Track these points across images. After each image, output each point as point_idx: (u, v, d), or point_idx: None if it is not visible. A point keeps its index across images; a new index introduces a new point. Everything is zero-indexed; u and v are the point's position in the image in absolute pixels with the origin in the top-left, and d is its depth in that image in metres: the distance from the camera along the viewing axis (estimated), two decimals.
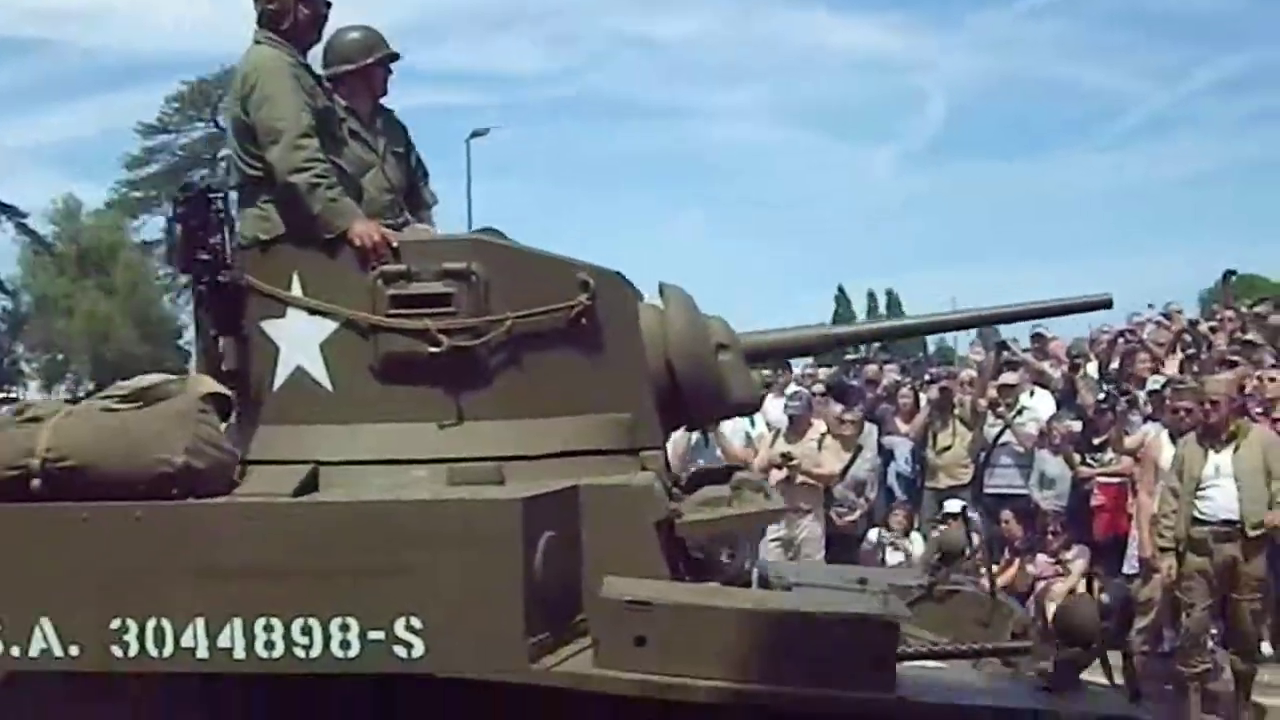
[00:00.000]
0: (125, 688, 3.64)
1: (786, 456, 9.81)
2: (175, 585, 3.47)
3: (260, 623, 3.42)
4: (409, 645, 3.36)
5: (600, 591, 3.45)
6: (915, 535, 10.34)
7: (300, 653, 3.40)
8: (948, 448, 10.70)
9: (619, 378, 4.15)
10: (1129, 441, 9.46)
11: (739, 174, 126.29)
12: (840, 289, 78.31)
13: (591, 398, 4.07)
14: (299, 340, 4.01)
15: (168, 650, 3.46)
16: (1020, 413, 10.39)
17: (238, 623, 3.43)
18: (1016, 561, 9.69)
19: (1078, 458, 9.84)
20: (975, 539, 5.27)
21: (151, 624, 3.47)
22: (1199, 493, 7.52)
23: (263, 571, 3.43)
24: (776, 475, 9.72)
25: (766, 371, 11.27)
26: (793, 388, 11.28)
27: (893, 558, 10.09)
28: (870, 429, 10.97)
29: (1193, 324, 11.71)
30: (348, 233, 3.95)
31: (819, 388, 11.63)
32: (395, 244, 3.96)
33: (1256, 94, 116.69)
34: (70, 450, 3.57)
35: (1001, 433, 10.03)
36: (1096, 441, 9.87)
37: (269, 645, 3.42)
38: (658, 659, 3.32)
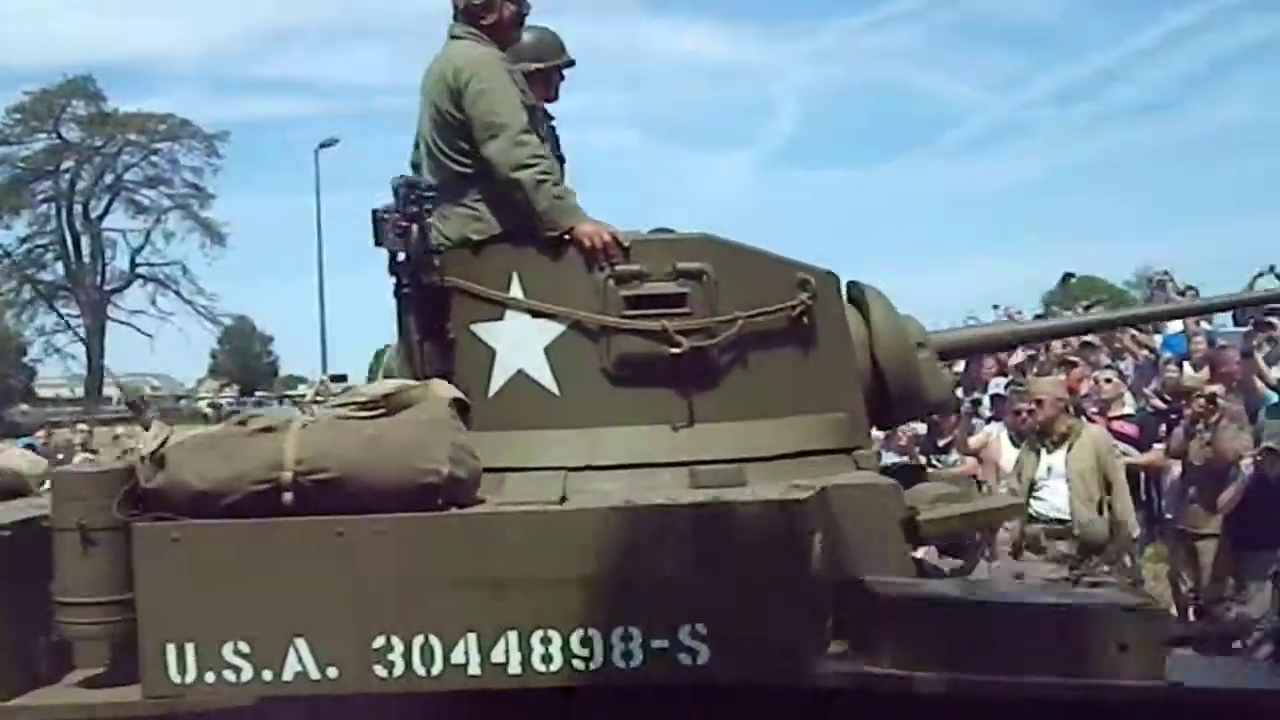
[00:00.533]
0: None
1: None
2: (442, 599, 3.30)
3: (537, 635, 3.27)
4: (694, 653, 3.25)
5: (873, 589, 3.44)
6: None
7: (580, 664, 3.27)
8: None
9: (835, 377, 4.13)
10: (972, 442, 9.74)
11: (594, 181, 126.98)
12: None
13: (812, 398, 4.04)
14: (520, 343, 3.86)
15: (436, 668, 3.29)
16: None
17: (513, 636, 3.27)
18: None
19: (923, 460, 9.80)
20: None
21: (419, 641, 3.29)
22: (1033, 493, 7.65)
23: (538, 582, 3.29)
24: None
25: None
26: None
27: None
28: None
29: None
30: (574, 231, 3.82)
31: None
32: (627, 243, 3.84)
33: (1093, 101, 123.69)
34: (323, 461, 3.34)
35: None
36: (941, 443, 10.08)
37: (546, 659, 3.27)
38: (944, 655, 3.30)
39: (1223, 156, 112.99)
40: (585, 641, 3.26)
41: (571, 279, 3.84)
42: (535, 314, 3.84)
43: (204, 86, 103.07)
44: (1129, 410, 9.33)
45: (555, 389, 3.83)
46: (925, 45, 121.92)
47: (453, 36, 4.10)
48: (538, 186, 3.81)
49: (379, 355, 10.29)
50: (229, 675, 3.29)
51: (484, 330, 3.91)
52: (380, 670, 3.28)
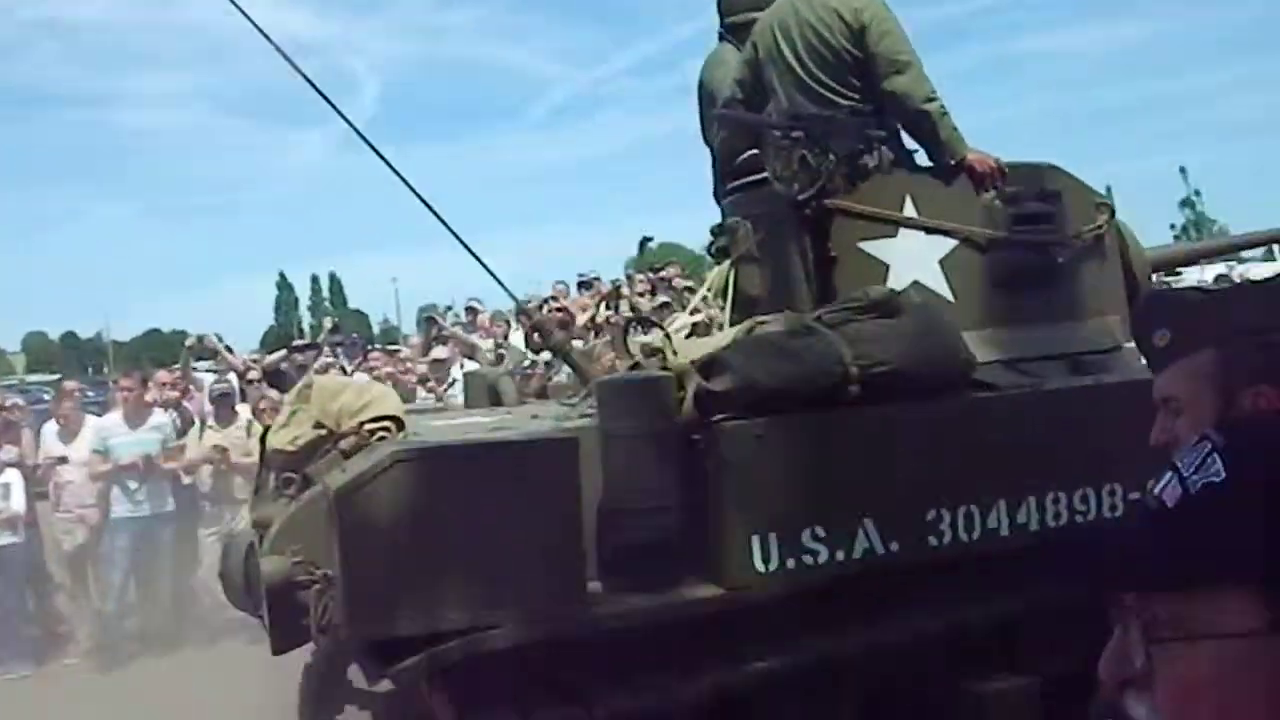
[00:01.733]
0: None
1: (219, 449, 9.80)
2: (981, 473, 3.81)
3: (1049, 497, 3.86)
4: None
5: None
6: None
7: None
8: None
9: (1118, 288, 4.87)
10: None
11: (171, 162, 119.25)
12: (282, 275, 76.63)
13: (1110, 303, 4.76)
14: (914, 257, 4.33)
15: (976, 534, 3.78)
16: (453, 385, 10.81)
17: (1032, 500, 3.84)
18: None
19: None
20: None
21: (962, 511, 3.76)
22: None
23: (1052, 451, 3.89)
24: (207, 470, 9.88)
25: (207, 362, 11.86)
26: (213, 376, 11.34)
27: None
28: None
29: (616, 288, 12.23)
30: (965, 159, 4.35)
31: (254, 374, 11.38)
32: (1005, 169, 4.43)
33: (670, 74, 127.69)
34: (880, 357, 3.70)
35: None
36: None
37: (1056, 516, 3.87)
38: None
39: None
40: (1084, 499, 3.90)
41: (958, 200, 4.39)
42: (929, 231, 4.34)
43: None
44: None
45: (950, 296, 4.35)
46: (506, 19, 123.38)
47: None
48: (942, 117, 4.34)
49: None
50: (807, 559, 3.58)
51: (875, 247, 4.33)
52: (932, 540, 3.71)
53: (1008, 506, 3.80)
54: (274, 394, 10.53)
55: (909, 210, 4.31)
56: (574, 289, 13.46)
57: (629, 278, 13.58)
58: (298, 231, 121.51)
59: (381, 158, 4.59)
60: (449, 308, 13.54)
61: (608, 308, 10.55)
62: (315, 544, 3.49)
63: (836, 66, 4.41)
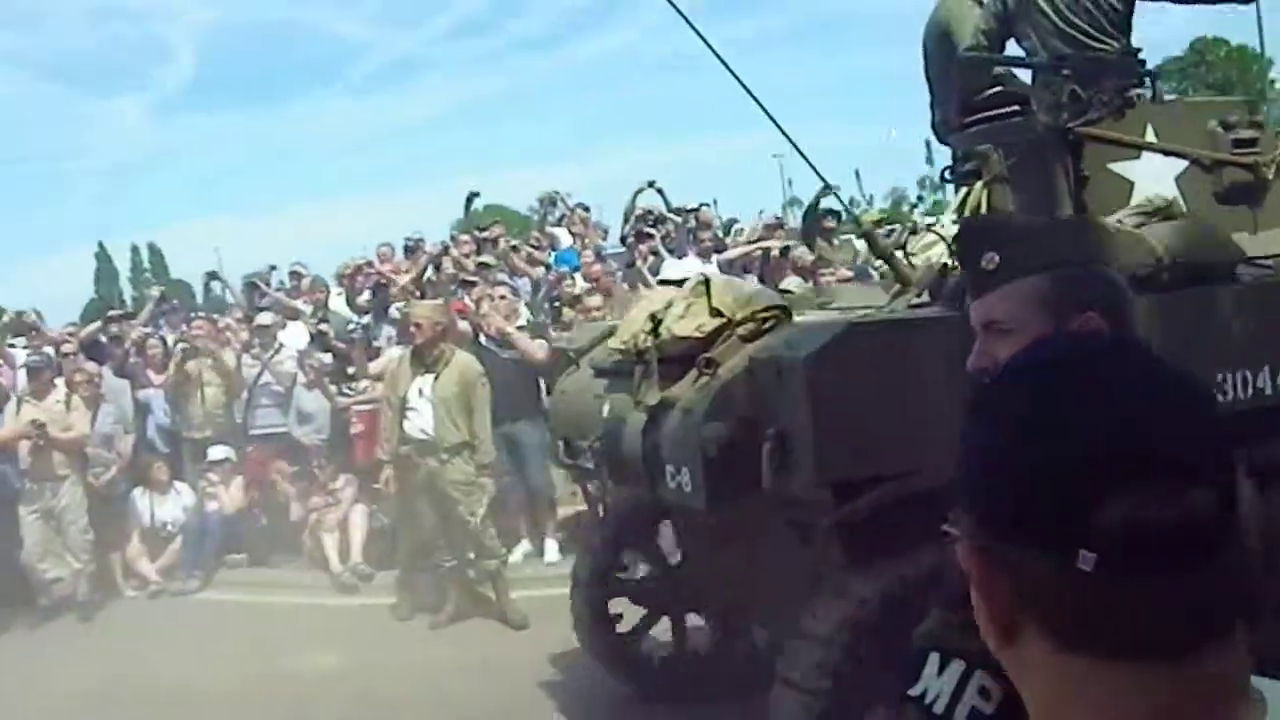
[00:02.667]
0: None
1: (37, 424, 9.49)
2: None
3: None
4: None
5: None
6: (181, 485, 10.59)
7: None
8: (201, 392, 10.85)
9: None
10: (373, 367, 10.27)
11: None
12: (101, 246, 73.16)
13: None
14: (1153, 176, 5.00)
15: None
16: (278, 351, 10.92)
17: None
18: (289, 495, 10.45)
19: (334, 389, 10.50)
20: None
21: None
22: (405, 411, 8.33)
23: None
24: (26, 445, 9.58)
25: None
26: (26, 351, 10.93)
27: (163, 514, 10.37)
28: (117, 383, 10.86)
29: (445, 249, 12.45)
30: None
31: (69, 347, 11.10)
32: None
33: (492, 35, 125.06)
34: (1180, 251, 4.27)
35: (260, 374, 10.78)
36: (350, 371, 10.60)
37: None
38: None
39: (608, 84, 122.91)
40: None
41: (1188, 127, 5.15)
42: (1166, 154, 5.03)
43: None
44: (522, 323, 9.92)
45: (1183, 207, 4.87)
46: None
47: None
48: None
49: None
50: None
51: (1122, 168, 4.98)
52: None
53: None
54: (91, 366, 10.33)
55: (1150, 136, 5.05)
56: (399, 252, 13.34)
57: (454, 239, 13.50)
58: (115, 202, 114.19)
59: (702, 38, 4.71)
60: (273, 268, 13.28)
61: (436, 269, 10.60)
62: (755, 408, 4.07)
63: (1096, 17, 5.11)
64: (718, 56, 4.50)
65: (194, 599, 9.90)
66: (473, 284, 10.63)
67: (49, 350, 10.56)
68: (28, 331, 11.67)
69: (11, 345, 11.55)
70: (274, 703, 7.20)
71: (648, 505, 5.80)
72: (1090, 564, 0.83)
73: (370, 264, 12.75)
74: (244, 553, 10.48)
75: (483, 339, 9.49)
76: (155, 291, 14.20)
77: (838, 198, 6.82)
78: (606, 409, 5.13)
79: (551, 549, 9.58)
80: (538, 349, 9.00)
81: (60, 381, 9.97)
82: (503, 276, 11.06)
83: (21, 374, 10.36)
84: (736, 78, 4.52)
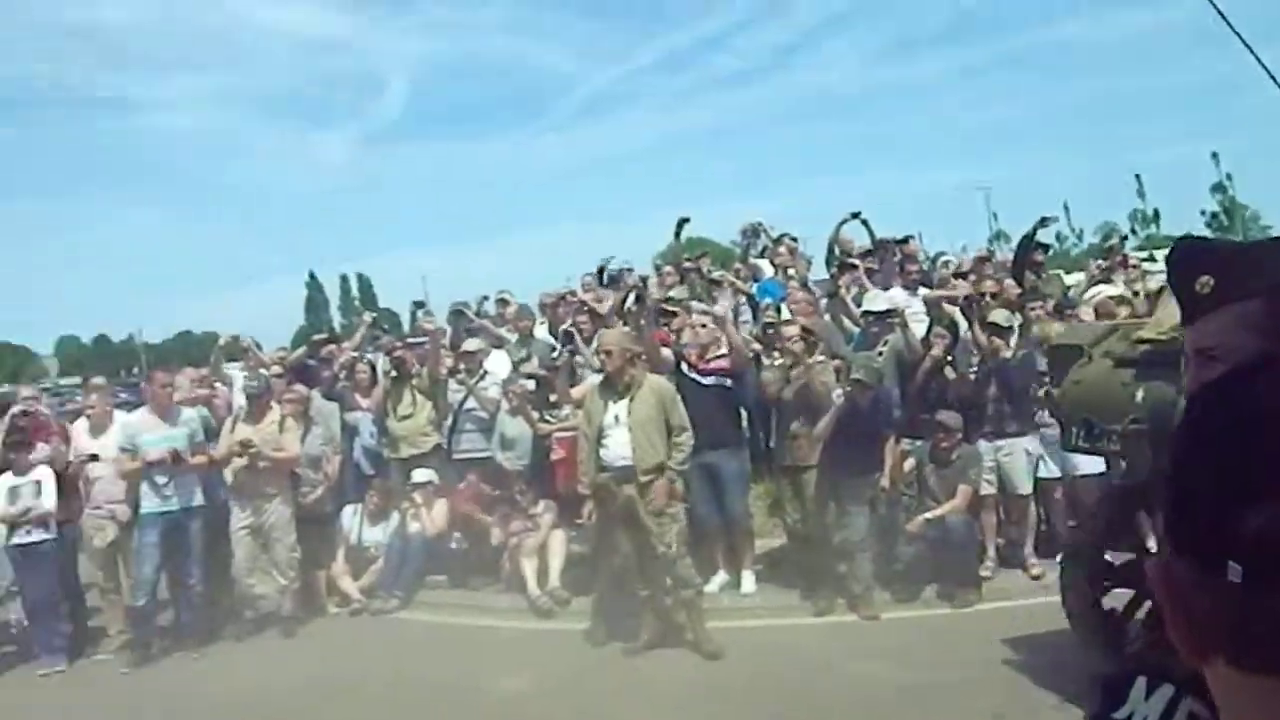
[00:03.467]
0: None
1: (245, 444, 9.73)
2: None
3: None
4: None
5: None
6: (393, 514, 10.69)
7: None
8: (408, 417, 11.07)
9: None
10: (575, 394, 10.26)
11: (193, 166, 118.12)
12: (312, 275, 75.96)
13: None
14: None
15: None
16: (483, 377, 11.01)
17: None
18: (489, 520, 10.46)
19: (536, 415, 10.52)
20: None
21: None
22: (601, 440, 8.33)
23: None
24: (238, 462, 9.76)
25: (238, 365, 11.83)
26: (244, 374, 11.19)
27: (368, 535, 10.57)
28: (326, 406, 11.06)
29: (642, 280, 12.40)
30: None
31: (275, 370, 11.42)
32: None
33: (694, 69, 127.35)
34: None
35: (465, 398, 10.86)
36: (552, 399, 10.62)
37: None
38: None
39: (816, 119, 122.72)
40: None
41: None
42: None
43: None
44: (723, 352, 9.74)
45: None
46: (526, 17, 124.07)
47: None
48: None
49: None
50: None
51: None
52: None
53: None
54: (301, 389, 10.59)
55: None
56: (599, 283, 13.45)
57: (657, 269, 13.64)
58: (326, 232, 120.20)
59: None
60: (485, 298, 13.21)
61: (636, 300, 10.37)
62: None
63: None
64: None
65: (394, 618, 10.04)
66: (674, 314, 10.62)
67: (264, 374, 10.84)
68: (243, 355, 12.06)
69: (228, 368, 11.98)
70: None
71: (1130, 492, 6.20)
72: (1238, 576, 0.78)
73: (573, 293, 12.80)
74: (444, 574, 10.59)
75: (684, 367, 9.43)
76: (367, 317, 14.55)
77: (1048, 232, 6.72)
78: (1141, 394, 5.61)
79: (748, 580, 9.44)
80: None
81: (276, 405, 10.24)
82: (704, 306, 10.95)
83: (239, 395, 10.67)
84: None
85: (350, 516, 10.69)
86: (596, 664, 8.19)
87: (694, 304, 10.95)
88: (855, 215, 12.63)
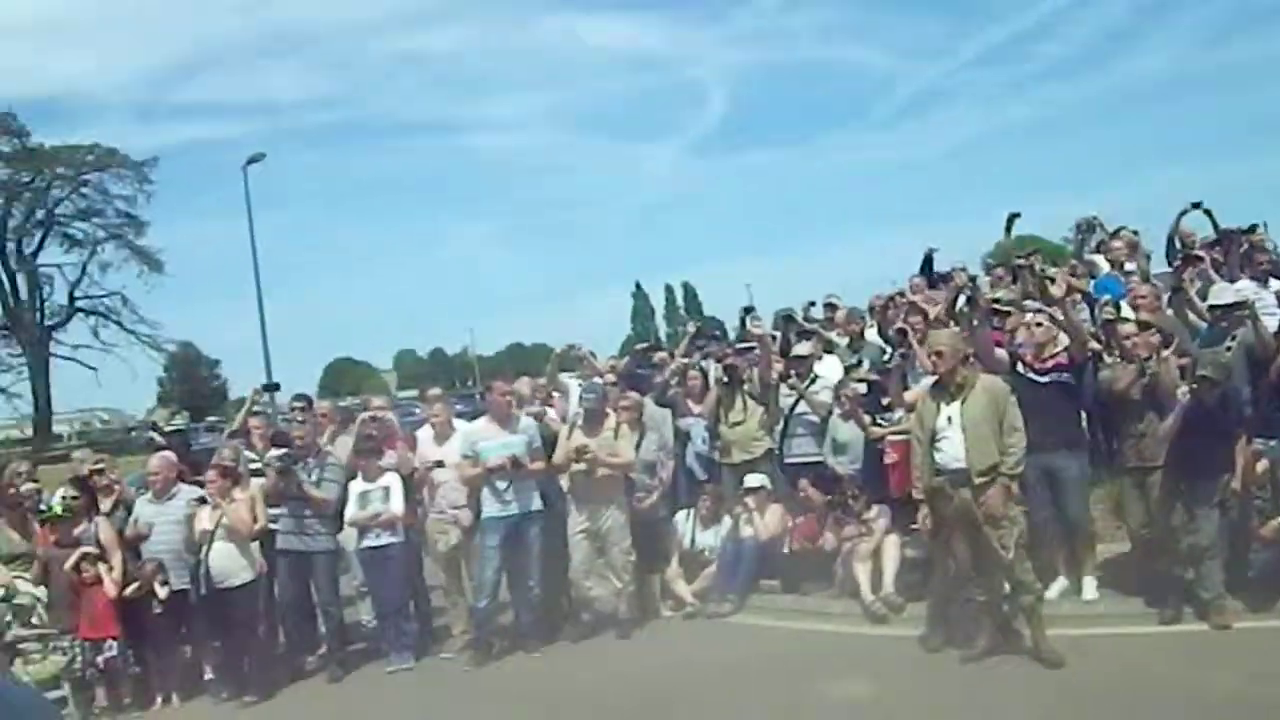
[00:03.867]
0: None
1: (582, 450, 9.83)
2: None
3: None
4: None
5: None
6: (725, 519, 10.67)
7: None
8: (739, 423, 11.05)
9: None
10: (908, 397, 9.97)
11: (522, 182, 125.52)
12: (638, 285, 79.14)
13: None
14: None
15: None
16: (813, 381, 10.95)
17: None
18: (820, 526, 10.27)
19: (868, 419, 10.33)
20: None
21: None
22: (935, 443, 8.05)
23: None
24: (576, 468, 9.87)
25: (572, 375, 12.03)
26: (579, 383, 11.40)
27: (702, 540, 10.60)
28: (658, 412, 11.11)
29: (972, 279, 12.27)
30: None
31: (610, 378, 11.60)
32: None
33: (1017, 62, 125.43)
34: None
35: (796, 403, 10.79)
36: (884, 402, 10.40)
37: None
38: None
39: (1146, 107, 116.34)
40: None
41: None
42: None
43: (127, 116, 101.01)
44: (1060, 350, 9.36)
45: None
46: (845, 19, 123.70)
47: None
48: None
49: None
50: None
51: None
52: None
53: None
54: (636, 396, 10.82)
55: None
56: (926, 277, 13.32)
57: (987, 268, 13.48)
58: (650, 243, 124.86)
59: None
60: (811, 303, 13.28)
61: (968, 302, 10.23)
62: None
63: None
64: None
65: (728, 622, 10.08)
66: (1007, 314, 10.33)
67: (599, 383, 11.08)
68: (578, 364, 12.44)
69: (564, 376, 12.32)
70: None
71: None
72: None
73: (902, 294, 12.62)
74: (777, 579, 10.56)
75: (1019, 367, 9.12)
76: (692, 326, 14.77)
77: None
78: None
79: (1090, 587, 9.07)
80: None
81: (611, 412, 10.42)
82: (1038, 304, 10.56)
83: (574, 402, 10.92)
84: None
85: (684, 521, 10.81)
86: (932, 670, 8.01)
87: (1028, 302, 10.60)
88: (1196, 205, 12.14)
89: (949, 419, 7.95)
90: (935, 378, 8.32)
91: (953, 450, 7.91)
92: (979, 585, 8.07)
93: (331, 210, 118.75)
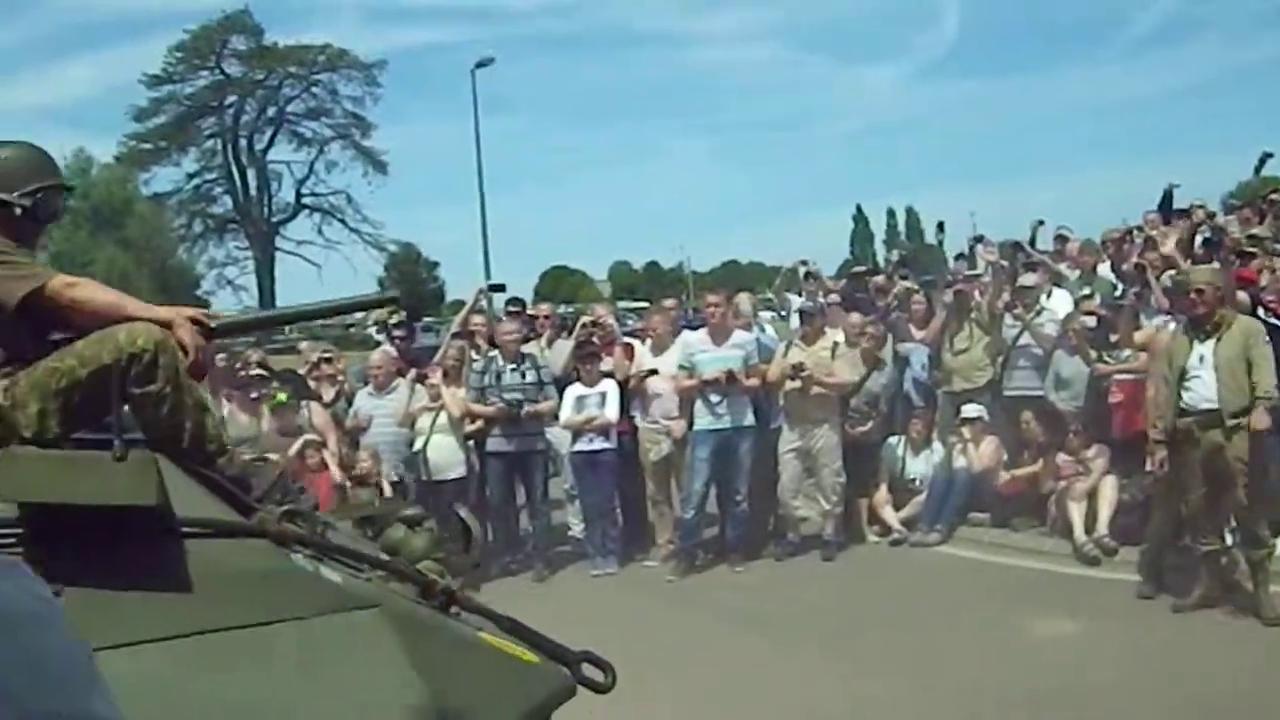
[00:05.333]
0: None
1: (798, 367, 9.73)
2: None
3: None
4: None
5: None
6: (936, 444, 10.56)
7: None
8: (964, 351, 10.79)
9: None
10: (1139, 336, 9.69)
11: (743, 99, 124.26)
12: (859, 208, 78.23)
13: None
14: None
15: None
16: (1039, 314, 10.63)
17: None
18: (1040, 461, 9.97)
19: (1094, 355, 9.99)
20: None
21: None
22: (1184, 383, 7.65)
23: None
24: (790, 385, 9.77)
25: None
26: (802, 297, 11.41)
27: (913, 467, 10.46)
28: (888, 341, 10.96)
29: (1210, 216, 12.01)
30: None
31: (833, 297, 11.49)
32: None
33: None
34: None
35: (1020, 334, 10.51)
36: (1113, 339, 10.04)
37: None
38: None
39: None
40: None
41: None
42: None
43: (359, 17, 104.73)
44: None
45: None
46: None
47: None
48: None
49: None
50: None
51: None
52: None
53: None
54: (857, 316, 10.74)
55: None
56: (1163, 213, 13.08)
57: (1229, 208, 13.11)
58: (871, 167, 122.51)
59: None
60: (1040, 222, 13.01)
61: (1204, 243, 10.02)
62: None
63: None
64: None
65: (933, 551, 10.01)
66: (1251, 254, 9.95)
67: (820, 299, 11.04)
68: (805, 281, 12.36)
69: (789, 295, 12.31)
70: (1000, 661, 7.09)
71: None
72: None
73: (1139, 228, 12.29)
74: (987, 512, 10.40)
75: (1260, 311, 8.73)
76: (895, 254, 14.63)
77: None
78: None
79: None
80: None
81: (831, 330, 10.37)
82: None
83: (795, 318, 10.89)
84: None
85: (895, 447, 10.71)
86: (1143, 616, 7.83)
87: (1278, 245, 10.17)
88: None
89: (1200, 357, 7.64)
90: (1168, 316, 8.00)
91: (1204, 390, 7.61)
92: (1204, 534, 7.80)
93: (552, 118, 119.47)
